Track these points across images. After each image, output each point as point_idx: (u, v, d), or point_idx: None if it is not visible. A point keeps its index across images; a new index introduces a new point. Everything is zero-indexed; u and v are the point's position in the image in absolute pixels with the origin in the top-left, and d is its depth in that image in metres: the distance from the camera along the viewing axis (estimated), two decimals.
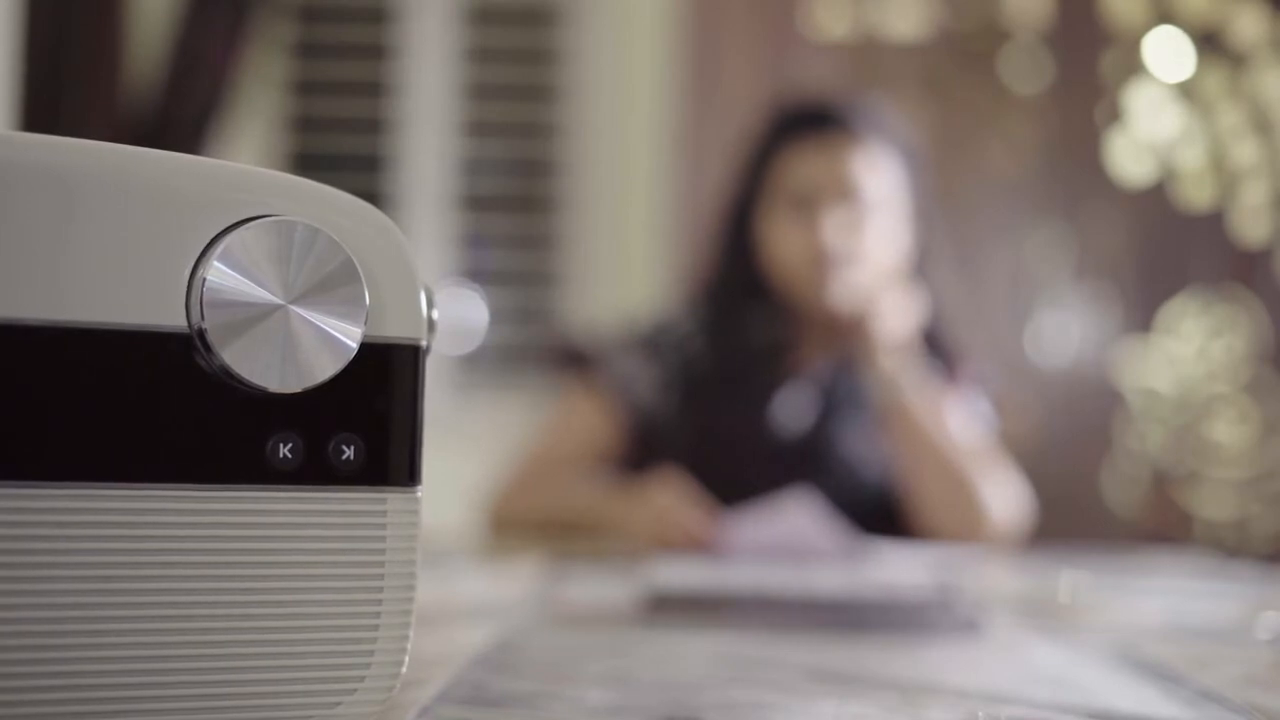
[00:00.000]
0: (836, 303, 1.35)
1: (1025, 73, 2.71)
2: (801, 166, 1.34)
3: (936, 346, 1.45)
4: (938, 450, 1.32)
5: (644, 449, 1.42)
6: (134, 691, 0.39)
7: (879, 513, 1.37)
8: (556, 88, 2.93)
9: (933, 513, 1.31)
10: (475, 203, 2.91)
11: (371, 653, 0.42)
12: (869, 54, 2.71)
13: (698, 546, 1.08)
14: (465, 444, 2.55)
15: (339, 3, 2.91)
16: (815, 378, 1.42)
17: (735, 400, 1.36)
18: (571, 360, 1.67)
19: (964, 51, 2.73)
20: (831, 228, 1.32)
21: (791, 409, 1.39)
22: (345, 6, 2.91)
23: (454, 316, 2.89)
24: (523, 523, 1.34)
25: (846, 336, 1.39)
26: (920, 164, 1.41)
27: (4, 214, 0.37)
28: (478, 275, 2.96)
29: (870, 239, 1.34)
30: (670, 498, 1.10)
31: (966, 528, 1.30)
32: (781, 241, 1.36)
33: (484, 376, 2.95)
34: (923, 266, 1.44)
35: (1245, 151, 2.67)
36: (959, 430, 1.36)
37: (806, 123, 1.36)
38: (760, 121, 1.44)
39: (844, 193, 1.33)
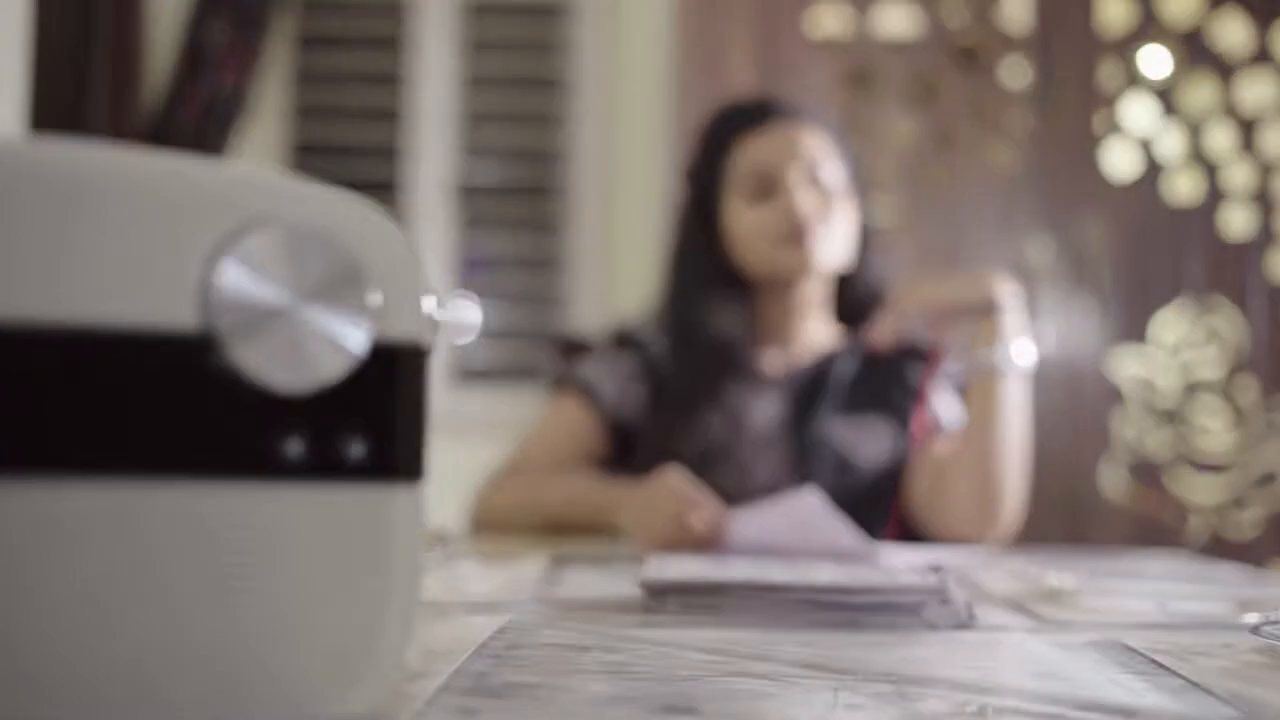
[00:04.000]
0: (821, 269, 1.38)
1: (1018, 73, 2.73)
2: (759, 152, 1.37)
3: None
4: (1000, 437, 1.28)
5: (626, 449, 1.43)
6: (145, 680, 0.39)
7: (869, 503, 1.36)
8: (558, 81, 2.97)
9: (956, 503, 1.30)
10: (477, 191, 2.94)
11: (377, 644, 0.43)
12: (864, 53, 2.73)
13: (707, 545, 1.07)
14: (465, 440, 2.56)
15: None
16: (786, 370, 1.43)
17: (706, 396, 1.37)
18: (558, 362, 1.68)
19: (958, 52, 2.74)
20: (801, 197, 1.35)
21: (763, 402, 1.39)
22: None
23: (456, 312, 2.91)
24: (506, 522, 1.34)
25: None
26: (851, 150, 1.45)
27: (17, 217, 0.38)
28: (479, 267, 2.97)
29: (835, 211, 1.38)
30: (677, 496, 1.09)
31: (983, 519, 1.29)
32: (754, 224, 1.37)
33: (485, 372, 2.96)
34: (871, 247, 1.48)
35: (1225, 142, 2.70)
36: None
37: (758, 112, 1.39)
38: (708, 122, 1.46)
39: (806, 168, 1.37)
